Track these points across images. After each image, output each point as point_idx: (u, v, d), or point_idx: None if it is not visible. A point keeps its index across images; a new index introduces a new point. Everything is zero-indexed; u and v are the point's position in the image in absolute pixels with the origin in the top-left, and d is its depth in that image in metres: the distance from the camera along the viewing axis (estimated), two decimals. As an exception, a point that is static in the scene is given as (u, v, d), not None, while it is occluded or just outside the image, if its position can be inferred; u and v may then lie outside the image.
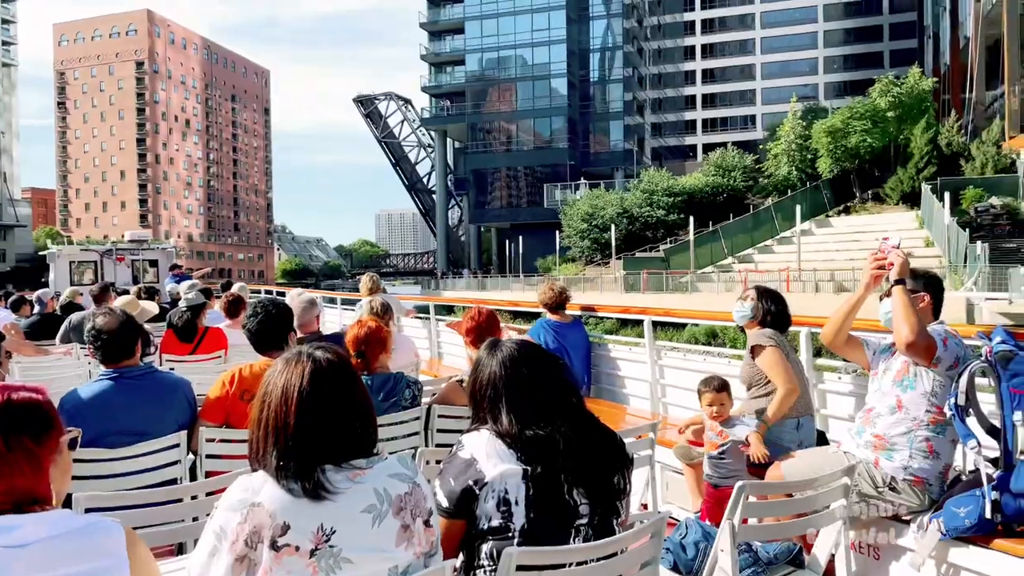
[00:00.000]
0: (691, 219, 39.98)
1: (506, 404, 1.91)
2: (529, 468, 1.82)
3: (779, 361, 3.43)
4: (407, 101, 77.85)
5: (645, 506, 3.36)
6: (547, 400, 1.92)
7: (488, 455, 1.84)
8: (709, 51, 79.01)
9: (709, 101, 79.28)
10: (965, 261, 26.04)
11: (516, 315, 16.20)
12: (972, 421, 2.66)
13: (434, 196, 76.07)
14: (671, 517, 3.47)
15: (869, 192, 41.90)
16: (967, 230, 27.22)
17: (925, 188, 34.36)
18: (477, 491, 1.82)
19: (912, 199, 37.83)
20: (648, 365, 5.54)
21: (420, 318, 9.51)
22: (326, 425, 1.57)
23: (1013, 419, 2.58)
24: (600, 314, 7.33)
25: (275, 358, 2.62)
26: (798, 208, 36.64)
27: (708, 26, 78.64)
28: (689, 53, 78.38)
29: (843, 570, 2.68)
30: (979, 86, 42.52)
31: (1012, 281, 22.81)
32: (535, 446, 1.85)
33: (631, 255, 42.55)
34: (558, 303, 5.87)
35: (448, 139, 71.39)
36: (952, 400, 2.70)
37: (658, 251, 43.30)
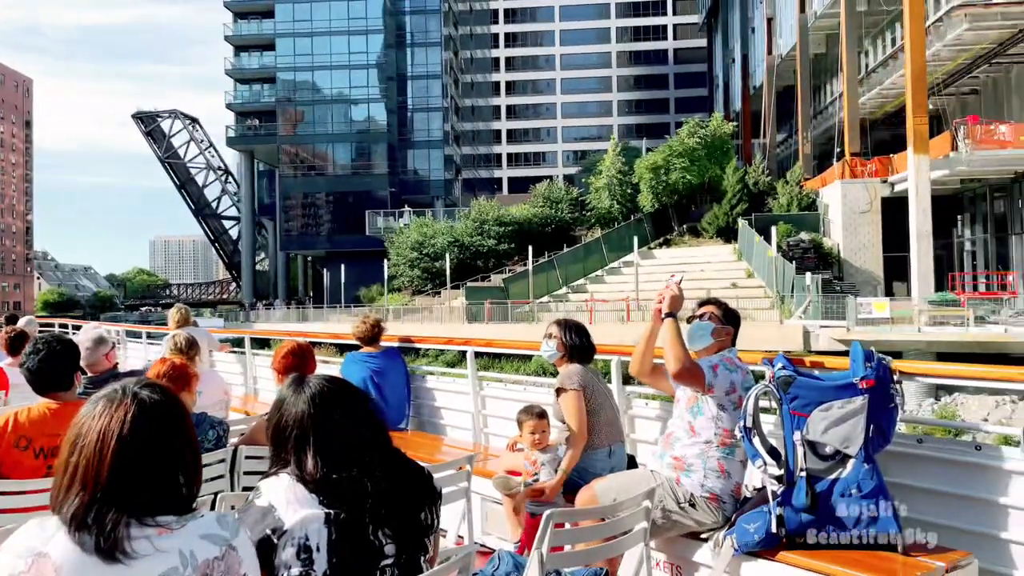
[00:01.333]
0: (530, 248, 40.86)
1: (313, 446, 1.83)
2: (331, 512, 1.77)
3: (575, 406, 3.62)
4: (194, 120, 73.16)
5: (461, 539, 3.40)
6: (356, 441, 1.86)
7: (288, 501, 1.77)
8: (512, 88, 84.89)
9: (513, 136, 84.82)
10: (792, 291, 29.33)
11: (341, 348, 15.28)
12: (758, 442, 2.92)
13: (224, 222, 73.69)
14: (487, 548, 3.80)
15: (685, 226, 45.55)
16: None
17: (742, 223, 38.00)
18: (275, 540, 1.75)
19: (726, 233, 41.83)
20: (471, 396, 5.57)
21: (235, 352, 9.17)
22: (145, 477, 1.43)
23: (793, 439, 2.85)
24: (426, 346, 7.60)
25: (58, 400, 3.13)
26: (635, 239, 39.51)
27: (511, 64, 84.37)
28: (495, 89, 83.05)
29: None
30: (772, 130, 48.47)
31: (848, 310, 25.71)
32: (339, 488, 1.79)
33: (467, 284, 42.87)
34: (372, 336, 5.85)
35: (255, 161, 66.47)
36: (741, 423, 2.95)
37: (493, 281, 43.82)
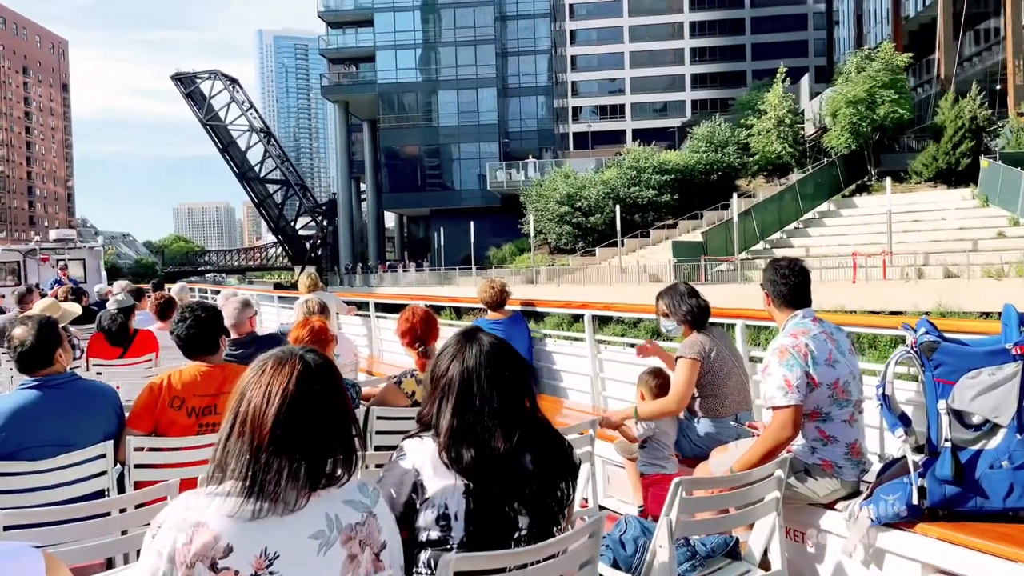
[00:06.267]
0: (734, 195, 36.17)
1: (467, 399, 1.95)
2: (471, 483, 1.91)
3: (683, 377, 3.76)
4: (234, 81, 71.58)
5: (586, 502, 3.52)
6: (507, 404, 1.96)
7: (432, 467, 1.92)
8: (575, 39, 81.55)
9: (578, 90, 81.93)
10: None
11: (458, 312, 15.85)
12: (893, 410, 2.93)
13: (268, 186, 72.55)
14: (613, 511, 4.08)
15: (875, 171, 40.11)
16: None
17: (988, 163, 32.59)
18: (418, 504, 1.92)
19: (947, 176, 36.56)
20: (589, 360, 5.81)
21: (361, 315, 9.70)
22: (307, 438, 1.55)
23: (937, 407, 2.77)
24: (549, 310, 8.13)
25: (207, 362, 3.37)
26: (826, 185, 36.89)
27: (573, 12, 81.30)
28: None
29: (778, 560, 2.83)
30: (947, 58, 42.48)
31: None
32: (478, 459, 1.90)
33: (675, 239, 38.40)
34: (499, 301, 6.02)
35: (348, 114, 65.01)
36: (880, 390, 2.92)
37: (680, 234, 40.45)
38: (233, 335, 4.69)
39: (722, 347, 3.85)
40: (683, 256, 34.05)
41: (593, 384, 5.75)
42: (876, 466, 3.31)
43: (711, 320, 4.05)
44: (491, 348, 2.01)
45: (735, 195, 36.37)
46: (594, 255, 42.21)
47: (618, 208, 40.12)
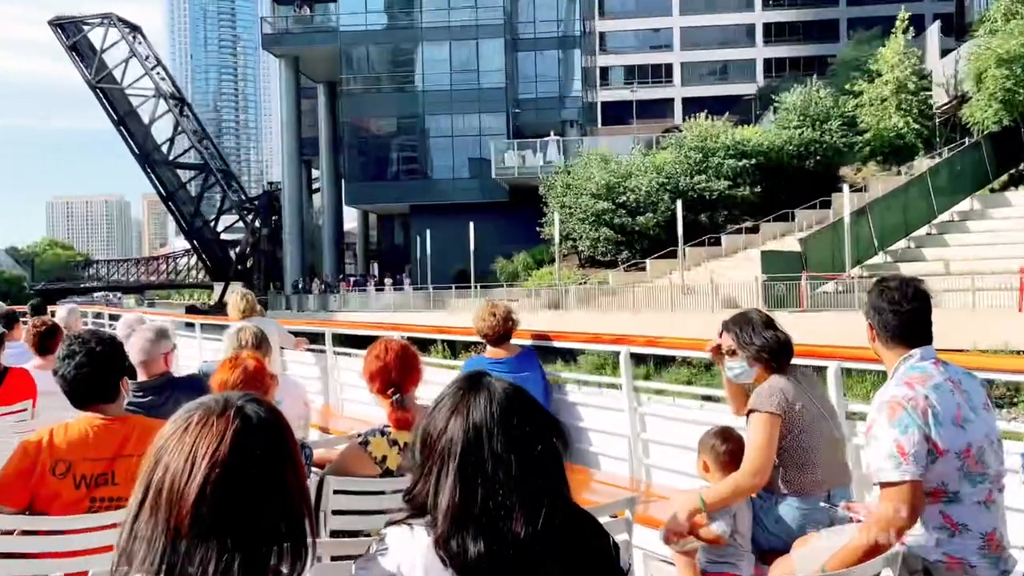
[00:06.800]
0: (845, 188, 35.28)
1: (475, 467, 1.93)
2: None
3: (760, 436, 3.74)
4: (135, 29, 72.79)
5: None
6: (530, 473, 1.94)
7: (425, 570, 1.92)
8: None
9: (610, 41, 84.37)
10: None
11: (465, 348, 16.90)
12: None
13: (180, 172, 73.34)
14: None
15: None
16: None
17: None
18: None
19: None
20: (626, 414, 5.93)
21: (314, 350, 9.97)
22: (243, 520, 1.56)
23: None
24: (571, 345, 8.10)
25: (102, 414, 3.47)
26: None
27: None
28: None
29: None
30: None
31: None
32: (491, 553, 1.88)
33: (761, 248, 37.74)
34: (502, 332, 6.16)
35: (299, 74, 64.35)
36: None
37: (763, 242, 40.34)
38: (141, 376, 4.74)
39: (810, 398, 3.84)
40: (774, 271, 33.05)
41: (632, 448, 5.85)
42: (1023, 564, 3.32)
43: (794, 360, 4.07)
44: (505, 397, 1.98)
45: (846, 188, 35.46)
46: (643, 270, 41.44)
47: (679, 204, 38.97)
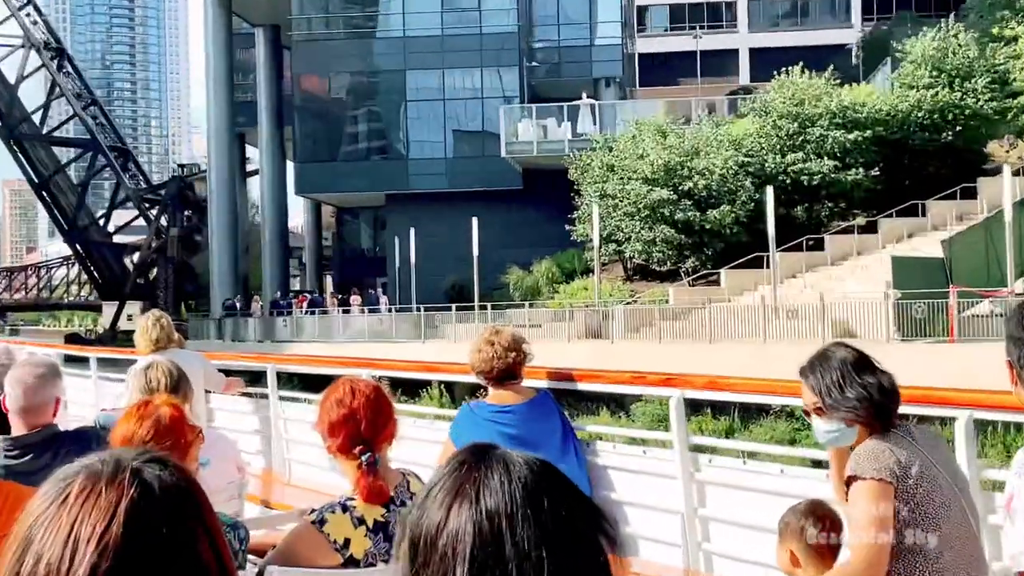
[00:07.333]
0: (1006, 169, 34.73)
1: (494, 572, 1.89)
2: None
3: (867, 511, 3.82)
4: None
5: None
6: None
7: None
8: None
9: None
10: None
11: (473, 390, 17.64)
12: None
13: (57, 150, 76.51)
14: None
15: None
16: None
17: None
18: None
19: None
20: (679, 481, 6.10)
21: (252, 393, 10.53)
22: None
23: None
24: (601, 387, 8.36)
25: None
26: None
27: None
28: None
29: None
30: None
31: None
32: None
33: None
34: (506, 370, 6.30)
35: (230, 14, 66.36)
36: None
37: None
38: (16, 429, 4.84)
39: (931, 462, 3.92)
40: (910, 285, 33.27)
41: (686, 529, 6.01)
42: None
43: (903, 410, 4.22)
44: (530, 473, 1.93)
45: (1006, 169, 34.98)
46: (717, 283, 42.23)
47: (769, 192, 38.40)
